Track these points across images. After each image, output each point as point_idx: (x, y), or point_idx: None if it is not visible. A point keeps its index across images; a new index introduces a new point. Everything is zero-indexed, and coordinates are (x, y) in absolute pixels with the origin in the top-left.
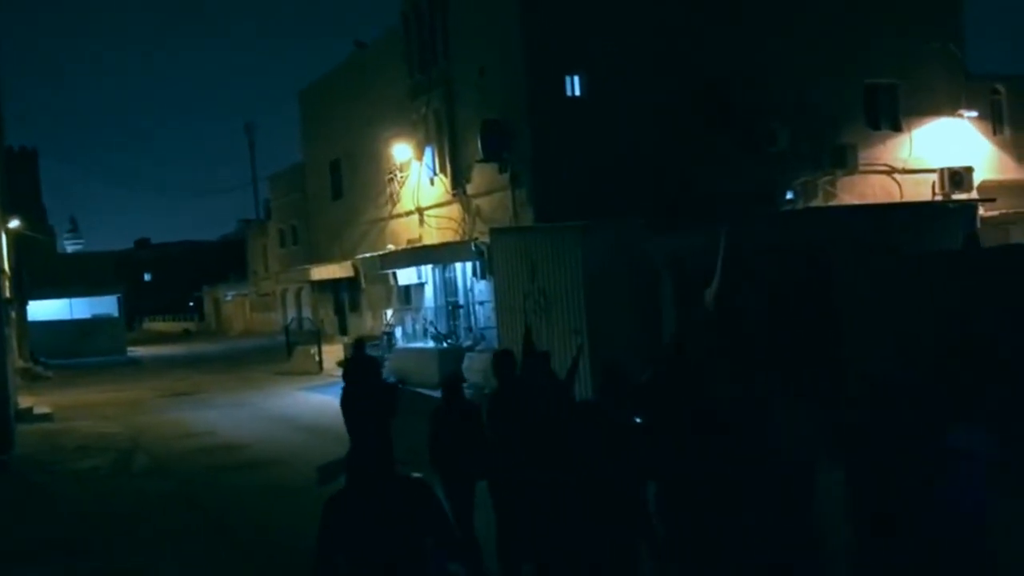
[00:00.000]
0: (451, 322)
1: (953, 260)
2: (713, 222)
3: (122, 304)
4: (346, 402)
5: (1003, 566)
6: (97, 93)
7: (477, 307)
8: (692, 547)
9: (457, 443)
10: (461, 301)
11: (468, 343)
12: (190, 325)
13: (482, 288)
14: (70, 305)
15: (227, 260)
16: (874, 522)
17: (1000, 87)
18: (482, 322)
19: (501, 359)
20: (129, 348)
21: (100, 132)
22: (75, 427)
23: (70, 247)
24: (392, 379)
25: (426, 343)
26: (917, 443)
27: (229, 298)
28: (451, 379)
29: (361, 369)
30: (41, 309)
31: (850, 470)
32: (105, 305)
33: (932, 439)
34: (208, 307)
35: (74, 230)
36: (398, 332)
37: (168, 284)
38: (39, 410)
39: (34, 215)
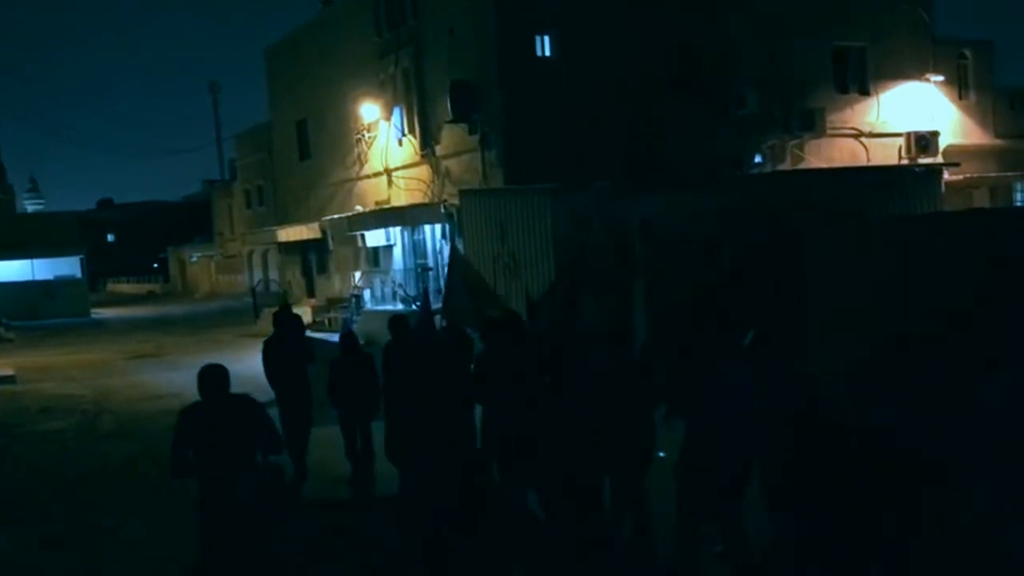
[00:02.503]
0: (420, 284)
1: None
2: (682, 185)
3: (85, 265)
4: (267, 351)
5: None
6: (58, 51)
7: (446, 269)
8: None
9: (353, 388)
10: (430, 263)
11: (437, 306)
12: (155, 287)
13: None
14: (31, 266)
15: (192, 221)
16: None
17: (967, 52)
18: None
19: (394, 321)
20: (93, 310)
21: (61, 90)
22: (39, 389)
23: (30, 206)
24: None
25: (395, 305)
26: (691, 372)
27: (194, 260)
28: (347, 334)
29: (285, 322)
30: (1, 270)
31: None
32: (68, 266)
33: (701, 370)
34: (173, 269)
35: (34, 189)
36: (367, 294)
37: (132, 245)
38: (1, 372)
39: None
